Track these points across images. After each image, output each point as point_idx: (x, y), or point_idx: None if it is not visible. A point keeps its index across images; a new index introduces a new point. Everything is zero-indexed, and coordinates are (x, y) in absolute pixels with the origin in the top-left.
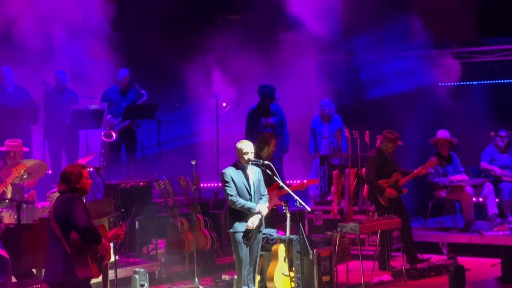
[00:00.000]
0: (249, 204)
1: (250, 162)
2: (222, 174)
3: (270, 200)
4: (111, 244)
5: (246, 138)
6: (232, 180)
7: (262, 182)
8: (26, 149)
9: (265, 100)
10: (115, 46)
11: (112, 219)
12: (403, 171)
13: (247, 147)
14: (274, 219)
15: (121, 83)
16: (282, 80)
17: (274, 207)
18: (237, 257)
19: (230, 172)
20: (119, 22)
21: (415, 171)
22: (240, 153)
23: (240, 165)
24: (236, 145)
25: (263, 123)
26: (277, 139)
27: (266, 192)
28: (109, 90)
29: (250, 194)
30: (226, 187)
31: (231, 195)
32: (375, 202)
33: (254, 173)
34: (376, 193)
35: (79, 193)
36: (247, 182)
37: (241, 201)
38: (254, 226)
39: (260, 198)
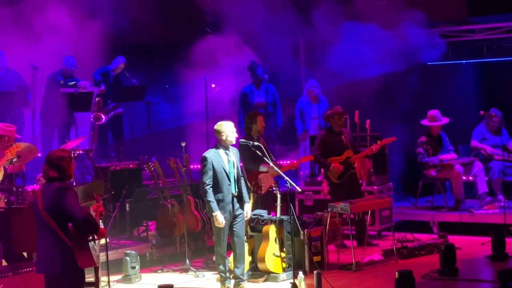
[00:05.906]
0: (213, 204)
1: (240, 143)
2: (202, 158)
3: (264, 182)
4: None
5: (239, 119)
6: (212, 165)
7: (239, 166)
8: (18, 136)
9: (256, 75)
10: (102, 27)
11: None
12: (360, 150)
13: (230, 127)
14: (269, 200)
15: (115, 71)
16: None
17: (270, 189)
18: (217, 238)
19: (211, 156)
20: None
21: (367, 149)
22: (225, 134)
23: (222, 147)
24: (216, 127)
25: (255, 103)
26: (269, 119)
27: (243, 176)
28: (101, 71)
29: (229, 179)
30: (203, 173)
31: (205, 184)
32: (328, 180)
33: (235, 156)
34: (322, 168)
35: (68, 180)
36: (228, 166)
37: (210, 197)
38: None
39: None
